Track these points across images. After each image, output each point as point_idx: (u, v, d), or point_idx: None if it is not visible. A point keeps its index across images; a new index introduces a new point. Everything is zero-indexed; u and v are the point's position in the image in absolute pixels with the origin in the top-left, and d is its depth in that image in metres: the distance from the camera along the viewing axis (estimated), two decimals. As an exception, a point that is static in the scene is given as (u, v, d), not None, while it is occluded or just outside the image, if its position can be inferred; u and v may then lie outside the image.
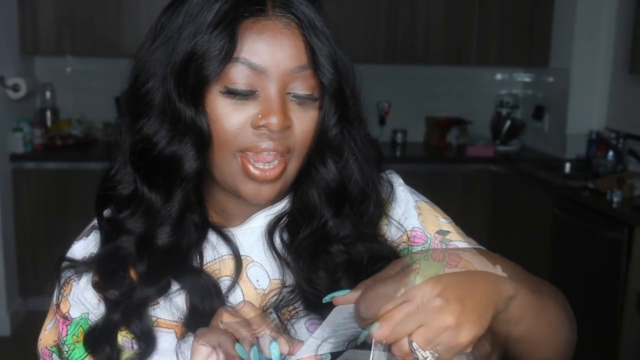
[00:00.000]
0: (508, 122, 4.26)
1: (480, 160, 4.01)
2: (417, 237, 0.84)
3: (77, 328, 0.81)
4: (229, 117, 0.73)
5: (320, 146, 0.77)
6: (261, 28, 0.72)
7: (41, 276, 3.69)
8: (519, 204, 3.71)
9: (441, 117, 4.29)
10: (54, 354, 0.82)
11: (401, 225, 0.85)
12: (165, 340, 0.79)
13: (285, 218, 0.82)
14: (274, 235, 0.82)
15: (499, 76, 4.52)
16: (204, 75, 0.72)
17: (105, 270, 0.79)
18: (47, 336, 0.84)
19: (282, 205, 0.83)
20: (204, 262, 0.81)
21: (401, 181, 0.90)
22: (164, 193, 0.77)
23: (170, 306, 0.79)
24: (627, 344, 2.76)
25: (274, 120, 0.71)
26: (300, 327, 0.79)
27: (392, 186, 0.87)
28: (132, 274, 0.79)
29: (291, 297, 0.79)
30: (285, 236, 0.82)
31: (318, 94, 0.75)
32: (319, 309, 0.77)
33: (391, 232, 0.85)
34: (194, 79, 0.72)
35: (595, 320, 2.97)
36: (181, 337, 0.78)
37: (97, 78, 4.13)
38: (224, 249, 0.81)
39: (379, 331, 0.58)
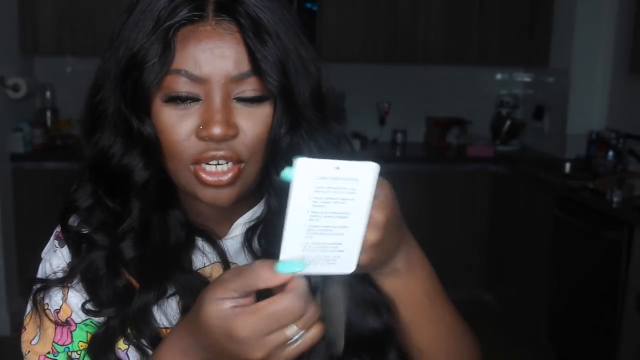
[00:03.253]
0: (508, 122, 4.26)
1: (480, 160, 4.01)
2: None
3: (83, 333, 0.78)
4: (174, 127, 0.71)
5: (273, 152, 0.74)
6: (199, 35, 0.69)
7: (41, 276, 3.68)
8: (519, 204, 3.71)
9: (441, 117, 4.29)
10: None
11: None
12: None
13: (261, 226, 0.81)
14: (252, 243, 0.81)
15: (499, 76, 4.52)
16: (143, 85, 0.70)
17: (91, 287, 0.77)
18: (37, 348, 0.80)
19: (259, 211, 0.83)
20: (196, 268, 0.80)
21: None
22: (122, 206, 0.76)
23: (165, 311, 0.78)
24: (627, 344, 2.76)
25: (216, 131, 0.69)
26: None
27: None
28: (127, 279, 0.77)
29: None
30: (263, 243, 0.81)
31: (267, 95, 0.72)
32: None
33: None
34: (134, 89, 0.71)
35: (595, 320, 2.97)
36: None
37: (97, 78, 4.12)
38: (212, 256, 0.81)
39: None
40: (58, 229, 0.83)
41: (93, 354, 0.76)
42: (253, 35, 0.69)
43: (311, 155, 0.67)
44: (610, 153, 3.53)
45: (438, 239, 3.91)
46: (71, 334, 0.78)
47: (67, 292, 0.78)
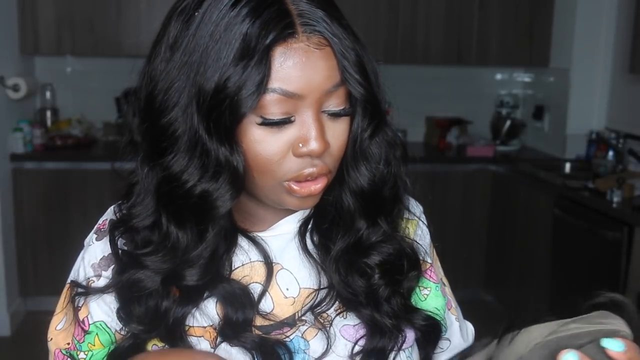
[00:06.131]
0: (508, 122, 4.27)
1: (480, 160, 4.01)
2: (432, 274, 0.89)
3: (93, 337, 0.79)
4: (268, 145, 0.70)
5: (355, 153, 0.77)
6: (294, 53, 0.68)
7: (41, 276, 3.69)
8: (519, 204, 3.71)
9: (441, 117, 4.29)
10: (68, 359, 0.80)
11: (426, 251, 0.89)
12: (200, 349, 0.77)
13: (312, 221, 0.82)
14: (305, 238, 0.81)
15: (499, 76, 4.52)
16: (239, 113, 0.67)
17: (126, 301, 0.77)
18: (59, 336, 0.81)
19: (307, 211, 0.82)
20: (235, 267, 0.79)
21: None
22: (194, 232, 0.74)
23: (202, 313, 0.77)
24: (627, 344, 2.76)
25: (315, 147, 0.69)
26: (334, 334, 0.79)
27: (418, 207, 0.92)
28: (173, 299, 0.77)
29: (326, 300, 0.79)
30: (316, 239, 0.81)
31: (350, 105, 0.73)
32: (355, 310, 0.79)
33: (419, 233, 0.89)
34: (227, 116, 0.68)
35: (595, 320, 2.97)
36: (215, 345, 0.76)
37: (97, 78, 4.13)
38: (254, 254, 0.80)
39: None
40: (101, 220, 0.83)
41: None
42: (340, 46, 0.70)
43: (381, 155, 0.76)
44: (610, 153, 3.54)
45: (438, 239, 3.90)
46: (84, 333, 0.79)
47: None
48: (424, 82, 4.37)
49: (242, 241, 0.80)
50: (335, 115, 0.72)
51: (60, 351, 0.80)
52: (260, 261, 0.80)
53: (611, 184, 2.96)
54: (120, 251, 0.77)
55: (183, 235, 0.74)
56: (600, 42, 3.77)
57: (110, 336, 0.79)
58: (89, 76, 4.17)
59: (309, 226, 0.82)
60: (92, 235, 0.83)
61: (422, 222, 0.91)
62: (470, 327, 0.97)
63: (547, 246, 3.36)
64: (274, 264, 0.80)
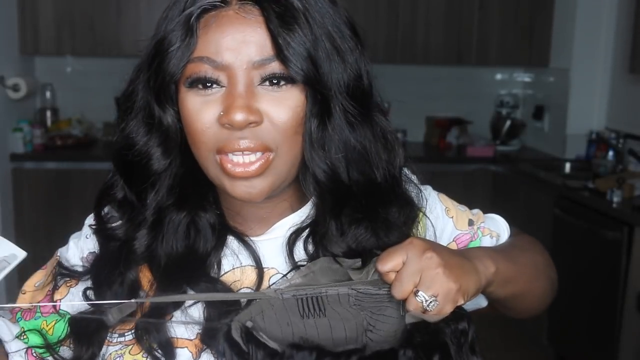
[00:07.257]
0: (508, 122, 4.26)
1: (480, 160, 4.01)
2: (464, 240, 0.90)
3: (53, 319, 0.79)
4: (198, 114, 0.69)
5: (311, 142, 0.71)
6: (220, 21, 0.68)
7: (41, 276, 3.68)
8: (519, 204, 3.71)
9: (441, 117, 4.29)
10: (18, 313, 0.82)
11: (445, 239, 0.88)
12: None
13: (308, 229, 0.78)
14: (294, 246, 0.77)
15: (499, 76, 4.52)
16: (166, 71, 0.69)
17: (98, 280, 0.76)
18: (27, 295, 0.83)
19: (305, 213, 0.79)
20: (224, 270, 0.77)
21: (431, 190, 0.94)
22: (141, 197, 0.76)
23: (187, 326, 0.75)
24: (627, 344, 2.76)
25: (237, 117, 0.67)
26: None
27: (422, 193, 0.91)
28: (144, 282, 0.76)
29: None
30: (310, 247, 0.77)
31: (291, 77, 0.69)
32: None
33: (428, 224, 0.88)
34: (157, 76, 0.71)
35: (595, 320, 2.97)
36: (197, 355, 0.74)
37: (97, 78, 4.13)
38: (244, 258, 0.77)
39: (394, 291, 0.69)
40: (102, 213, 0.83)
41: (75, 330, 0.76)
42: (278, 21, 0.67)
43: (347, 147, 0.72)
44: (610, 153, 3.54)
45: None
46: (54, 312, 0.79)
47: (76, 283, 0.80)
48: (424, 82, 4.37)
49: (233, 243, 0.78)
50: (270, 80, 0.69)
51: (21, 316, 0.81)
52: (251, 266, 0.77)
53: (611, 184, 2.96)
54: (100, 228, 0.80)
55: (131, 195, 0.76)
56: (600, 42, 3.77)
57: (61, 333, 0.78)
58: (89, 76, 4.16)
59: (305, 233, 0.78)
60: (90, 228, 0.83)
61: (425, 212, 0.88)
62: (498, 222, 1.01)
63: (547, 246, 3.33)
64: (268, 269, 0.77)
